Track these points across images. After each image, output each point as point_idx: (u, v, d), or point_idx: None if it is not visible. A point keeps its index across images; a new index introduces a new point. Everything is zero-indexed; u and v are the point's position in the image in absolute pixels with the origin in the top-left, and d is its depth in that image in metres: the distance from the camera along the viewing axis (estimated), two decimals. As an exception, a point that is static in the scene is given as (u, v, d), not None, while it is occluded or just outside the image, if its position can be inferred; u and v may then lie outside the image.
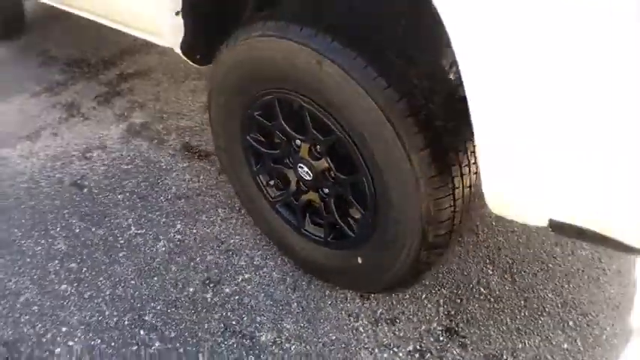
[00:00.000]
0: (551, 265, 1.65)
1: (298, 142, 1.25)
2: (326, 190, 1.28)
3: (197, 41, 1.38)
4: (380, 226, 1.14)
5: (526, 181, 0.85)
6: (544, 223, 0.92)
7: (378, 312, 1.43)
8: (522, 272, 1.61)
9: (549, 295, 1.56)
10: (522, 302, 1.52)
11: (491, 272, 1.60)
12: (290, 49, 1.01)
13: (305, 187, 1.33)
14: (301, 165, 1.27)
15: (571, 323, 1.48)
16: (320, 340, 1.36)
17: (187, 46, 1.39)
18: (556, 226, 0.91)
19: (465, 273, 1.58)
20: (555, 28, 0.70)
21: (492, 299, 1.51)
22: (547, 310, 1.51)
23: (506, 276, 1.59)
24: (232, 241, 1.67)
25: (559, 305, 1.52)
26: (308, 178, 1.27)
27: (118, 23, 1.69)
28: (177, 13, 1.30)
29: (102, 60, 2.99)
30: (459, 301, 1.50)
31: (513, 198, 0.89)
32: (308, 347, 1.34)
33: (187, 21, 1.31)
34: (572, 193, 0.86)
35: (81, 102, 2.62)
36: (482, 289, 1.54)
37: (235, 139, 1.39)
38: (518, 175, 0.84)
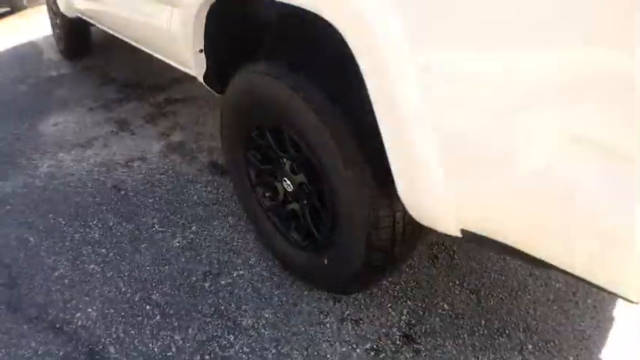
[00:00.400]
0: (520, 293, 1.78)
1: (285, 159, 1.57)
2: (304, 201, 1.58)
3: (216, 74, 1.74)
4: (338, 230, 1.43)
5: (435, 193, 1.06)
6: (458, 232, 1.12)
7: (346, 313, 1.68)
8: (489, 295, 1.79)
9: (512, 319, 1.69)
10: (483, 322, 1.69)
11: (457, 292, 1.80)
12: (270, 84, 1.35)
13: (289, 198, 1.64)
14: (285, 179, 1.58)
15: (530, 347, 1.60)
16: (291, 329, 1.62)
17: (208, 77, 1.76)
18: (469, 237, 1.11)
19: (433, 290, 1.80)
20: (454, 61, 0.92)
21: (454, 316, 1.70)
22: (507, 332, 1.65)
23: (472, 297, 1.78)
24: (235, 243, 1.99)
25: (521, 329, 1.65)
26: (290, 190, 1.58)
27: (157, 53, 2.11)
28: (200, 51, 1.67)
29: (154, 85, 3.46)
30: (421, 313, 1.71)
31: (426, 207, 1.14)
32: (279, 334, 1.61)
33: (208, 57, 1.69)
34: (480, 205, 1.04)
35: (131, 119, 3.07)
36: (445, 306, 1.74)
37: (239, 155, 1.73)
38: (427, 186, 1.06)
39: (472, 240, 1.12)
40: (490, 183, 0.99)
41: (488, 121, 0.92)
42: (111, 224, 2.15)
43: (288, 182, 1.56)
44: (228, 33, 1.62)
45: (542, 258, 1.02)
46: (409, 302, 1.74)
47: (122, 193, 2.36)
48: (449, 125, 0.97)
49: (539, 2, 0.81)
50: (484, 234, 1.08)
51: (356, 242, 1.37)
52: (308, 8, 1.14)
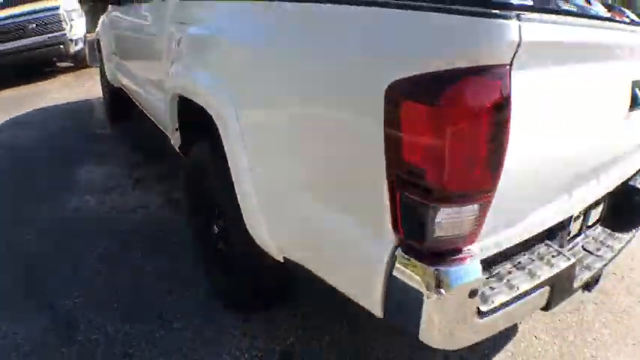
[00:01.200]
0: (400, 337, 2.20)
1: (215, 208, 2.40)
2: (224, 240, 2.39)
3: (188, 147, 2.66)
4: (237, 262, 2.23)
5: (260, 228, 1.76)
6: (282, 259, 1.79)
7: (250, 329, 2.34)
8: (371, 333, 2.29)
9: (383, 355, 2.22)
10: (352, 353, 2.25)
11: (339, 329, 2.35)
12: (199, 154, 2.25)
13: (218, 238, 2.47)
14: (215, 223, 2.43)
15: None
16: (207, 334, 2.33)
17: (182, 148, 2.69)
18: (289, 264, 1.77)
19: (324, 325, 2.40)
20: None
21: (332, 345, 2.27)
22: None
23: (354, 334, 2.32)
24: (191, 273, 2.78)
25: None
26: (217, 232, 2.42)
27: (160, 126, 3.12)
28: (176, 129, 2.62)
29: (171, 151, 4.45)
30: (306, 339, 2.29)
31: (261, 240, 1.83)
32: (197, 336, 2.31)
33: (181, 134, 2.63)
34: (285, 238, 1.68)
35: (147, 177, 4.05)
36: (327, 338, 2.34)
37: (192, 203, 2.62)
38: (255, 223, 1.75)
39: (293, 267, 1.75)
40: (284, 222, 1.72)
41: (270, 169, 1.70)
42: (110, 250, 3.01)
43: (216, 226, 2.41)
44: (190, 117, 2.45)
45: (329, 283, 1.61)
46: (300, 331, 2.38)
47: (124, 229, 3.27)
48: (256, 172, 1.74)
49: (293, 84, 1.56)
50: (296, 261, 1.73)
51: (244, 270, 2.17)
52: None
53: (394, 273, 1.29)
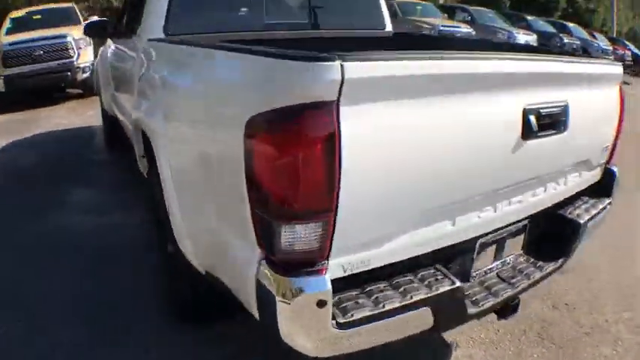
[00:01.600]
0: None
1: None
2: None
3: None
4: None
5: (184, 241, 2.01)
6: (204, 272, 2.01)
7: (198, 338, 2.52)
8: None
9: None
10: None
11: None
12: (150, 179, 2.52)
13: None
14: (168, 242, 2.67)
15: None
16: (161, 338, 2.54)
17: (147, 172, 2.97)
18: (209, 277, 1.95)
19: (261, 342, 2.61)
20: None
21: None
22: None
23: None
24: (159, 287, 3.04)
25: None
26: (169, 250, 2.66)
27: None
28: (142, 157, 2.90)
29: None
30: (245, 352, 2.50)
31: (188, 253, 2.04)
32: (153, 337, 2.53)
33: (146, 160, 2.90)
34: (200, 252, 1.91)
35: (131, 200, 4.31)
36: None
37: (155, 224, 2.87)
38: (179, 234, 2.01)
39: (212, 280, 1.96)
40: (199, 236, 1.96)
41: (185, 186, 1.97)
42: (86, 264, 3.28)
43: (169, 245, 2.64)
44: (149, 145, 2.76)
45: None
46: (244, 342, 2.53)
47: (103, 245, 3.54)
48: (178, 189, 2.01)
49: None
50: (212, 274, 1.94)
51: (188, 285, 2.38)
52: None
53: (260, 280, 1.49)
